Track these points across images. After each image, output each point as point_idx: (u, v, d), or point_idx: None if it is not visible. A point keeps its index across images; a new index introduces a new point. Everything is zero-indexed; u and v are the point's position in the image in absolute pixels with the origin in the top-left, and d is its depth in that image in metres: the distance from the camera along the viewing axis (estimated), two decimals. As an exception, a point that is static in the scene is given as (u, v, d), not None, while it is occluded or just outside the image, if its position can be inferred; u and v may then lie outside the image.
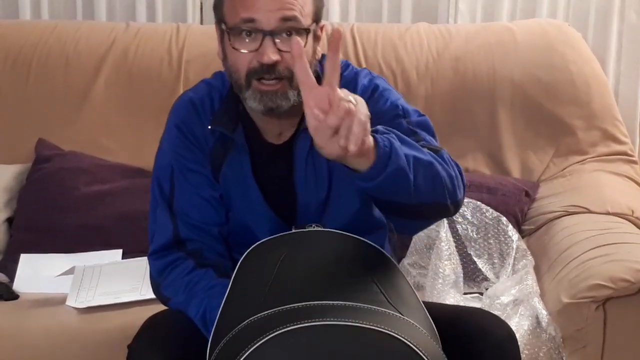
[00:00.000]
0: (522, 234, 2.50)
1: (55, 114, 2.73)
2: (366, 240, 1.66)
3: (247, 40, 1.67)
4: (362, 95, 1.56)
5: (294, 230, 1.69)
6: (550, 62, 2.74)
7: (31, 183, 2.62)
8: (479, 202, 2.46)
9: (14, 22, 2.97)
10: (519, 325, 2.10)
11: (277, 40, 1.65)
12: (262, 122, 1.79)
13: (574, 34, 2.85)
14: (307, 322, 1.41)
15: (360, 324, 1.42)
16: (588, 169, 2.67)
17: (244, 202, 1.79)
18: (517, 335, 2.04)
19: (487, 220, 2.44)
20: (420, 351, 1.42)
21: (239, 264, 1.63)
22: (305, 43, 1.66)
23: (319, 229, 1.68)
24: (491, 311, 2.15)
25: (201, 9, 3.10)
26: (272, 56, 1.64)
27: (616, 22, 3.00)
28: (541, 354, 2.06)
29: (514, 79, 2.73)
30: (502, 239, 2.41)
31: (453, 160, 1.66)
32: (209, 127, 1.78)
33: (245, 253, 1.64)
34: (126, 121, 2.73)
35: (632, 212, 2.45)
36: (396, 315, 1.47)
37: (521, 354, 2.02)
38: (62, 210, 2.54)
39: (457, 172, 1.65)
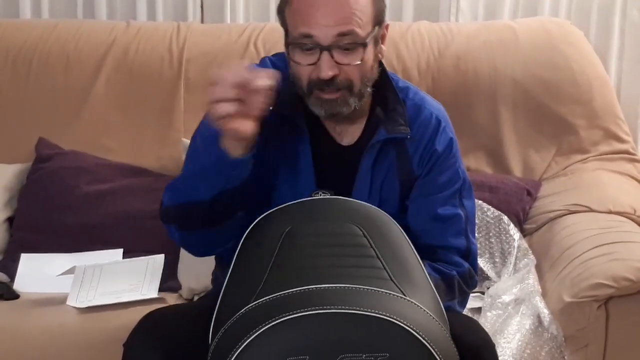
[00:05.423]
0: (524, 233, 2.49)
1: (56, 113, 2.73)
2: (376, 208, 1.66)
3: (305, 54, 1.70)
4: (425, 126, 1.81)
5: (299, 200, 1.67)
6: (552, 61, 2.74)
7: (32, 182, 2.62)
8: (480, 201, 2.46)
9: (14, 22, 2.96)
10: (521, 324, 2.09)
11: (334, 54, 1.68)
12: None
13: (576, 32, 2.84)
14: (306, 311, 1.41)
15: (360, 311, 1.42)
16: (590, 168, 2.67)
17: (292, 175, 1.78)
18: (519, 335, 2.05)
19: (488, 219, 2.43)
20: (420, 335, 1.42)
21: (241, 242, 1.62)
22: (363, 56, 1.70)
23: (327, 196, 1.67)
24: (492, 310, 2.16)
25: (202, 7, 3.09)
26: (329, 72, 1.68)
27: (618, 20, 2.99)
28: (543, 353, 2.05)
29: (515, 78, 2.72)
30: (504, 238, 2.40)
31: (474, 270, 1.84)
32: (270, 107, 1.68)
33: (248, 230, 1.63)
34: (127, 120, 2.72)
35: (634, 210, 2.44)
36: (398, 297, 1.47)
37: (523, 353, 2.02)
38: (62, 209, 2.54)
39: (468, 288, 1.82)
